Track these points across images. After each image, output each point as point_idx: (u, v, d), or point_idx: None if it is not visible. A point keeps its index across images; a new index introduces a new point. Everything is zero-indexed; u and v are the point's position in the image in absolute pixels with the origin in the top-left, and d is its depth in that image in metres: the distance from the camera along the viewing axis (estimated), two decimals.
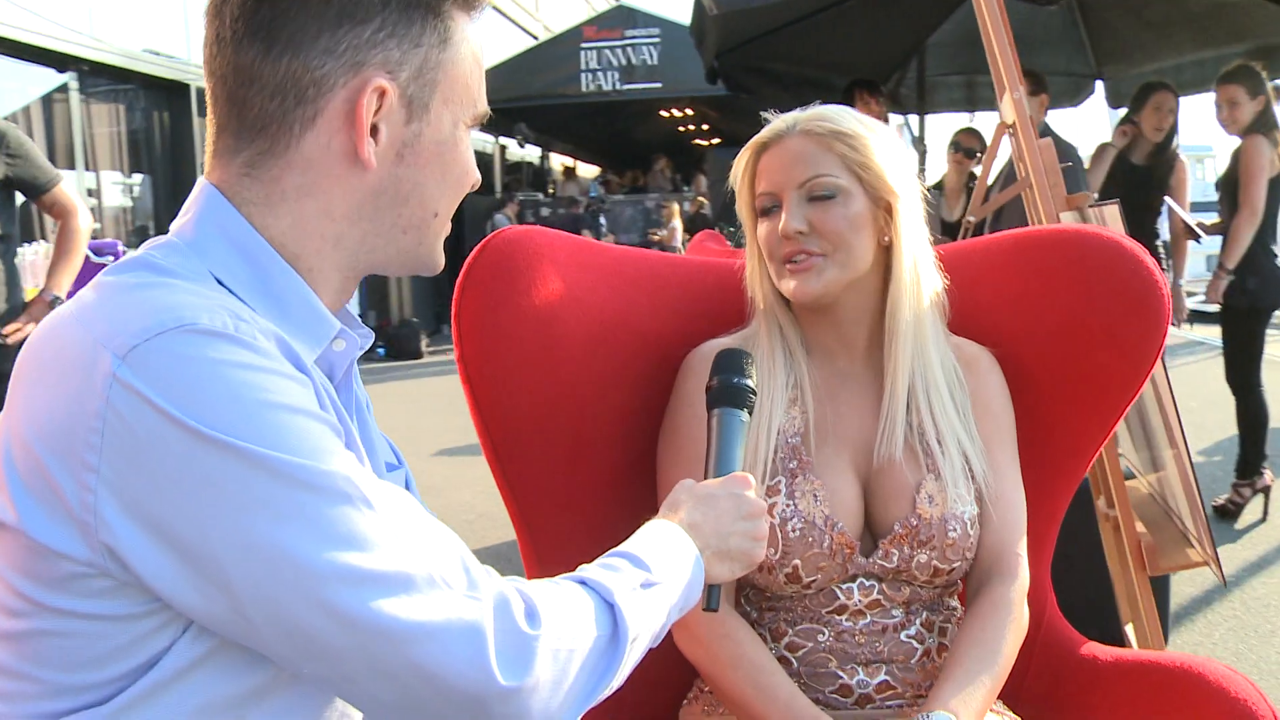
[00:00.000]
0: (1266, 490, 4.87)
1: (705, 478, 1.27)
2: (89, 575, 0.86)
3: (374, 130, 0.99)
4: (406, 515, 0.92)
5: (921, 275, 1.52)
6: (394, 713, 0.91)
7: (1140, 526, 2.31)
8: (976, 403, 1.58)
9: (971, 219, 2.77)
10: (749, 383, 1.33)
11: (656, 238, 14.69)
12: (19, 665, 0.89)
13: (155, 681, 0.89)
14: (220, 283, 0.96)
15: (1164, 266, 5.40)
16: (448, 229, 1.11)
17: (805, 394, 1.54)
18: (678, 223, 14.54)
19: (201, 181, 1.02)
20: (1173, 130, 5.04)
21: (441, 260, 1.10)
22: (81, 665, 0.88)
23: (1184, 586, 3.95)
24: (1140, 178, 5.04)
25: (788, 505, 1.47)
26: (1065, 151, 4.30)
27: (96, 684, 0.89)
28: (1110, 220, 2.19)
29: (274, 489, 0.84)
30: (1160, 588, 3.23)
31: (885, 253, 1.51)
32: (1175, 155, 5.11)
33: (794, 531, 1.46)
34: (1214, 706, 1.44)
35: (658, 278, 1.73)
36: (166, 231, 1.02)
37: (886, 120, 5.32)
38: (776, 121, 1.52)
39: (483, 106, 1.08)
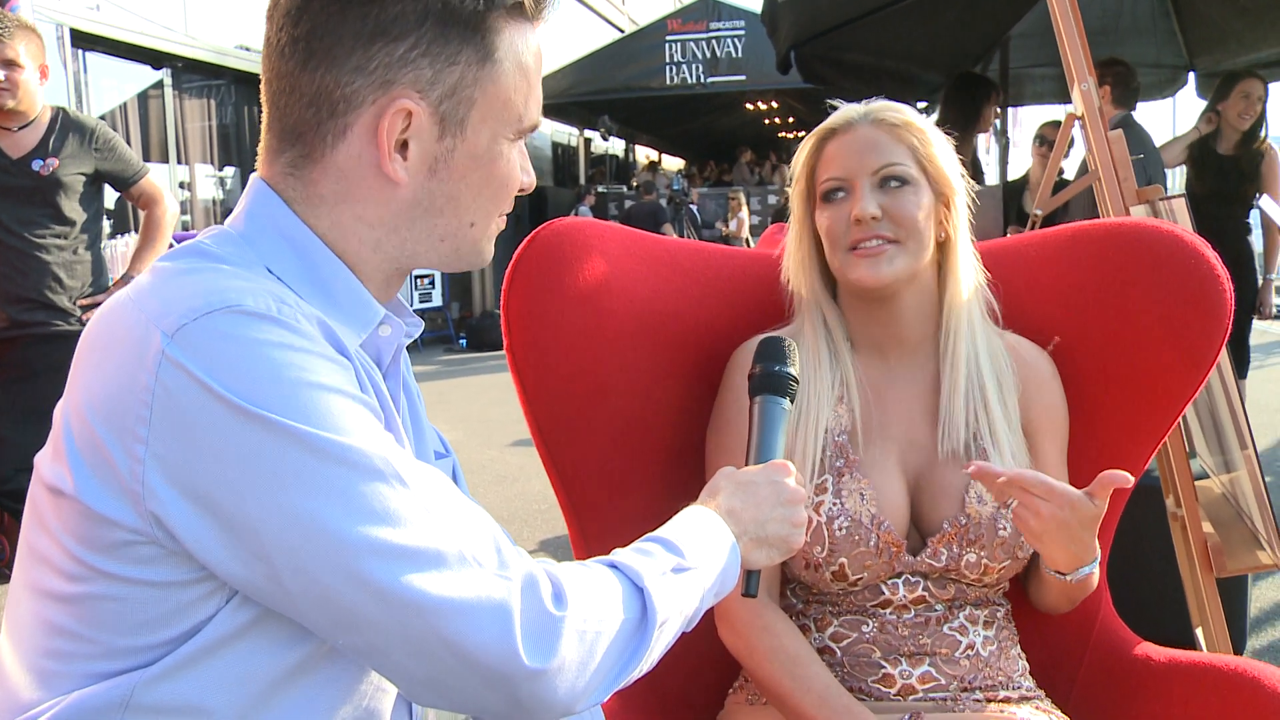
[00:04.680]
0: None
1: (746, 464, 1.28)
2: (138, 542, 0.91)
3: (405, 146, 1.02)
4: (441, 494, 0.95)
5: (974, 271, 1.54)
6: (424, 687, 0.94)
7: (1209, 527, 2.25)
8: (1035, 409, 1.57)
9: (1039, 212, 2.73)
10: (791, 370, 1.33)
11: (726, 232, 14.64)
12: (75, 626, 0.94)
13: (199, 647, 0.94)
14: (271, 272, 1.01)
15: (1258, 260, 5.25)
16: (500, 225, 1.13)
17: (851, 391, 1.54)
18: (745, 214, 14.47)
19: (254, 176, 1.07)
20: (1261, 119, 4.89)
21: (488, 255, 1.13)
22: (132, 629, 0.93)
23: (1267, 591, 3.85)
24: (1228, 168, 4.91)
25: (835, 504, 1.47)
26: (1142, 142, 4.21)
27: (145, 647, 0.94)
28: (1177, 214, 2.14)
29: (308, 462, 0.88)
30: (1237, 591, 3.15)
31: (939, 248, 1.53)
32: (1265, 145, 4.96)
33: (840, 530, 1.46)
34: (1270, 710, 1.41)
35: (709, 269, 1.73)
36: None
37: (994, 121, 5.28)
38: (846, 109, 1.53)
39: (530, 119, 1.09)
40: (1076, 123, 2.42)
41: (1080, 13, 2.44)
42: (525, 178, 1.11)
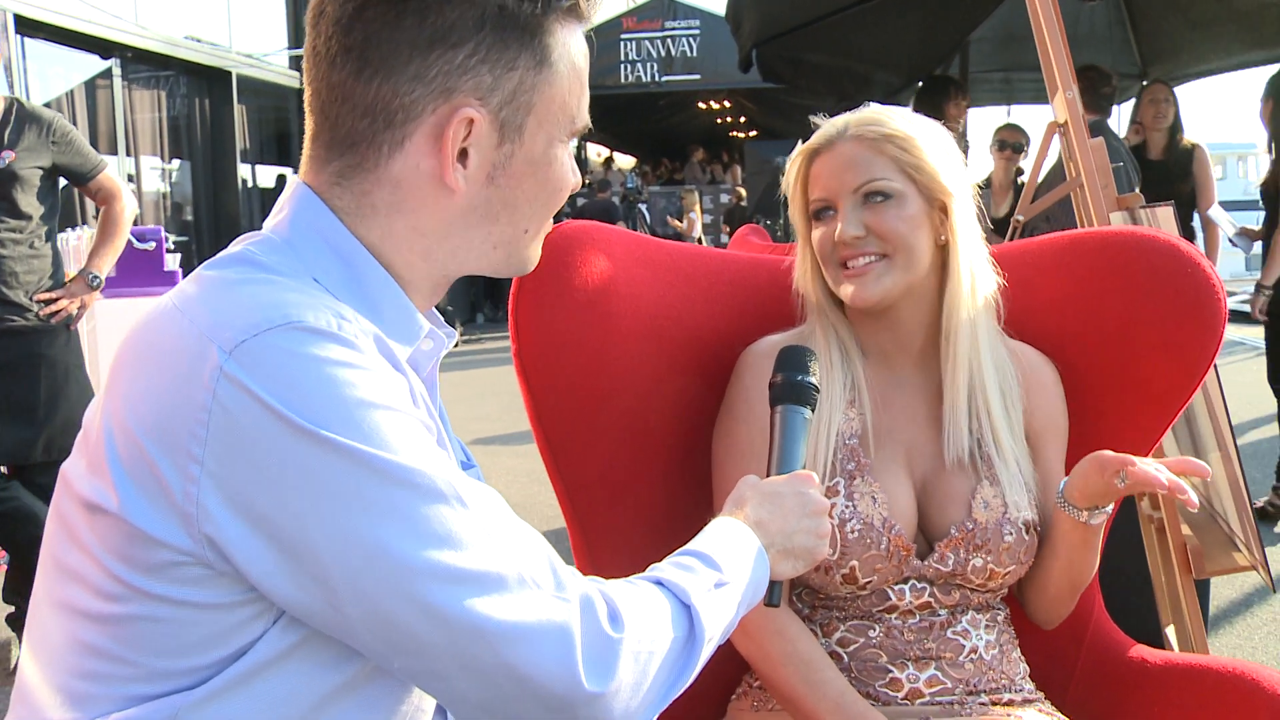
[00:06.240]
0: None
1: (768, 475, 1.27)
2: (185, 563, 0.88)
3: (463, 154, 1.00)
4: (497, 514, 0.94)
5: (977, 275, 1.52)
6: (478, 710, 0.92)
7: (1185, 529, 2.29)
8: (1038, 415, 1.59)
9: (1020, 218, 2.76)
10: (813, 380, 1.33)
11: (677, 227, 14.65)
12: (114, 648, 0.91)
13: (244, 670, 0.91)
14: (317, 282, 0.98)
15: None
16: (547, 231, 1.12)
17: (862, 395, 1.54)
18: (696, 213, 14.48)
19: (295, 181, 1.04)
20: (1176, 120, 5.10)
21: (534, 262, 1.12)
22: (174, 651, 0.90)
23: (1223, 589, 3.93)
24: (1160, 173, 5.03)
25: (847, 507, 1.48)
26: (1116, 152, 4.28)
27: (188, 670, 0.91)
28: (1164, 222, 2.18)
29: (373, 485, 0.86)
30: (1200, 591, 3.21)
31: (941, 253, 1.52)
32: (1192, 144, 5.15)
33: (853, 533, 1.47)
34: (1270, 713, 1.43)
35: (711, 274, 1.73)
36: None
37: (965, 118, 5.35)
38: (826, 126, 1.52)
39: (582, 120, 1.07)
40: (1056, 129, 2.45)
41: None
42: (574, 178, 1.10)
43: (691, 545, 1.12)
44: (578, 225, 1.59)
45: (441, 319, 1.14)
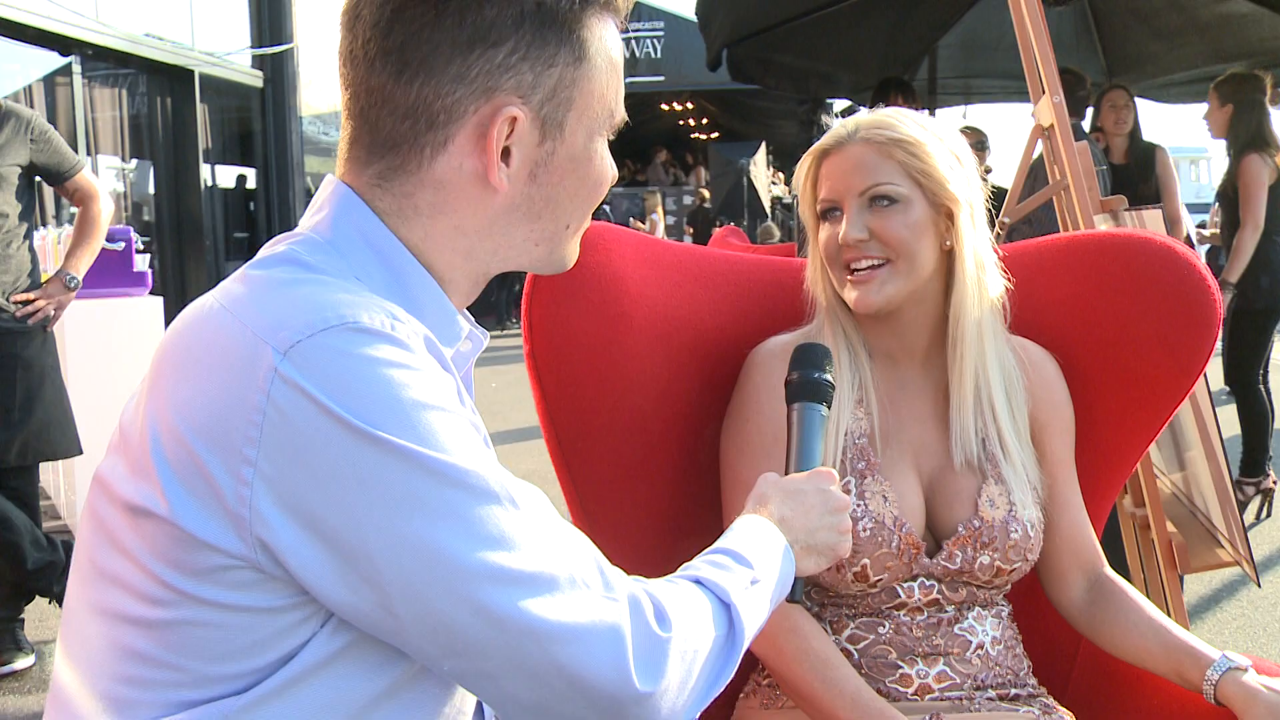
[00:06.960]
0: (1269, 492, 4.94)
1: (787, 472, 1.29)
2: (235, 567, 0.87)
3: (506, 152, 1.00)
4: (545, 515, 0.94)
5: (984, 279, 1.54)
6: (527, 711, 0.92)
7: (1170, 526, 2.34)
8: (1044, 408, 1.62)
9: (1006, 220, 2.79)
10: (829, 377, 1.35)
11: (639, 228, 14.67)
12: (161, 654, 0.90)
13: (292, 674, 0.90)
14: (359, 282, 0.97)
15: None
16: (586, 227, 1.12)
17: (869, 395, 1.56)
18: (659, 214, 14.51)
19: (333, 181, 1.03)
20: (1135, 125, 5.20)
21: (573, 259, 1.12)
22: (223, 656, 0.89)
23: (1192, 585, 4.00)
24: (1123, 176, 5.13)
25: (858, 505, 1.50)
26: (1096, 156, 4.36)
27: (236, 674, 0.90)
28: (1151, 224, 2.22)
29: (428, 486, 0.86)
30: None
31: (947, 257, 1.53)
32: (1152, 146, 5.25)
33: (865, 531, 1.49)
34: None
35: (717, 275, 1.75)
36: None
37: None
38: (837, 127, 1.54)
39: (620, 114, 1.07)
40: (1042, 133, 2.49)
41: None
42: (613, 172, 1.10)
43: (722, 543, 1.13)
44: (590, 225, 1.60)
45: (473, 320, 1.14)
